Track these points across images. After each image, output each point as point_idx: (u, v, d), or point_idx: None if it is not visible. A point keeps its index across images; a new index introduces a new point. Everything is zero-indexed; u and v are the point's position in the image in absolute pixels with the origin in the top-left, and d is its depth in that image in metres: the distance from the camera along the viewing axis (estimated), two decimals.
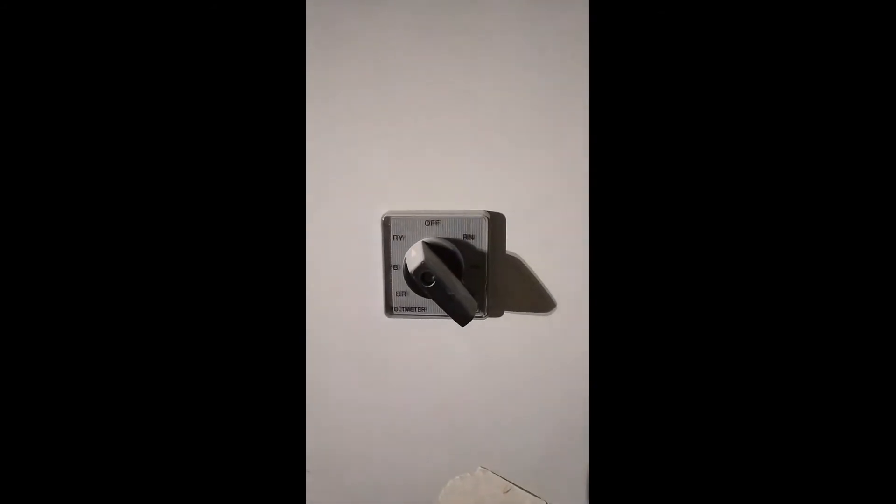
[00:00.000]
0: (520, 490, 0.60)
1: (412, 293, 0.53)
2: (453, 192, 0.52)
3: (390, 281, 0.54)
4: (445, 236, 0.52)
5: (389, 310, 0.55)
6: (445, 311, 0.49)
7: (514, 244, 0.54)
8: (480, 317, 0.55)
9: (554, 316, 0.55)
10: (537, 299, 0.55)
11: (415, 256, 0.50)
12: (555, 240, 0.53)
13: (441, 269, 0.49)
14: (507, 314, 0.56)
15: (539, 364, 0.57)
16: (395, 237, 0.53)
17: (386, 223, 0.52)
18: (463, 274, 0.52)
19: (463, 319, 0.49)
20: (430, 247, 0.51)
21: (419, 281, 0.49)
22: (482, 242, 0.53)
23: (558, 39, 0.48)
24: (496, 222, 0.53)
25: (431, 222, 0.52)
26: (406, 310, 0.55)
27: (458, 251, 0.52)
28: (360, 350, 0.57)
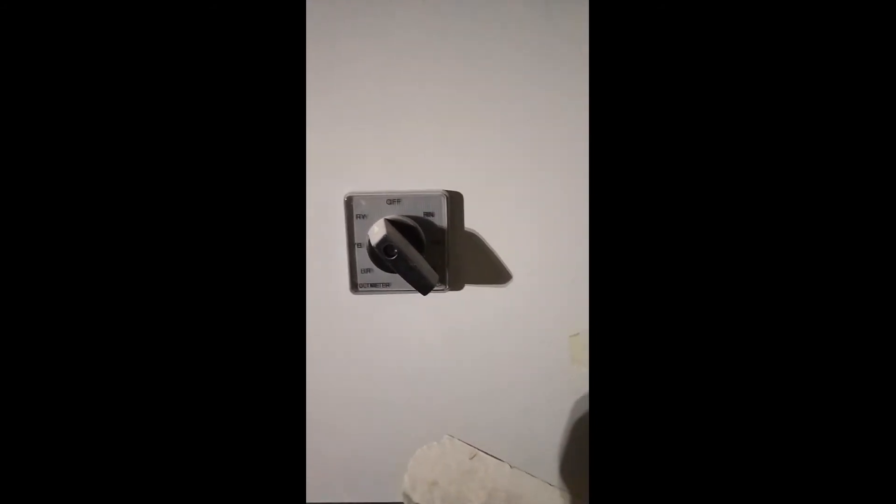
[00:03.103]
0: (485, 455, 0.63)
1: (376, 270, 0.56)
2: (413, 172, 0.55)
3: (354, 259, 0.56)
4: (407, 214, 0.55)
5: (354, 286, 0.57)
6: (408, 281, 0.52)
7: (472, 221, 0.57)
8: (442, 289, 0.58)
9: (510, 287, 0.59)
10: (495, 272, 0.58)
11: (377, 231, 0.52)
12: (509, 216, 0.57)
13: (402, 243, 0.52)
14: (467, 287, 0.59)
15: (498, 333, 0.60)
16: (358, 216, 0.55)
17: (349, 203, 0.55)
18: (424, 249, 0.55)
19: (424, 289, 0.52)
20: (393, 223, 0.54)
21: (382, 254, 0.51)
22: (442, 219, 0.56)
23: (518, 26, 0.51)
24: (454, 200, 0.56)
25: (393, 201, 0.55)
26: (371, 286, 0.57)
27: (419, 227, 0.55)
28: (327, 327, 0.59)
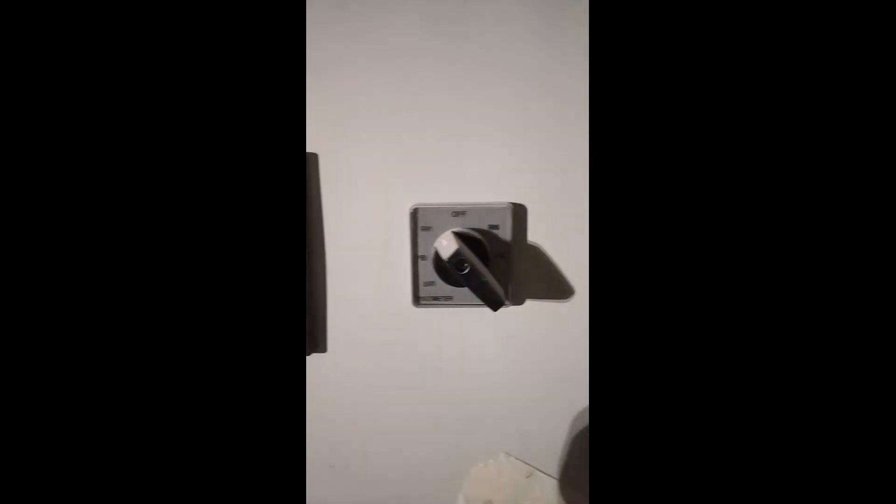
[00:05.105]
0: (541, 474, 0.62)
1: (439, 283, 0.55)
2: (478, 184, 0.54)
3: (418, 271, 0.55)
4: (471, 227, 0.54)
5: (417, 299, 0.56)
6: (479, 297, 0.51)
7: (535, 234, 0.56)
8: (506, 305, 0.57)
9: (573, 302, 0.57)
10: (557, 287, 0.57)
11: (447, 245, 0.51)
12: (573, 229, 0.56)
13: (473, 258, 0.51)
14: (528, 301, 0.58)
15: (559, 350, 0.59)
16: (423, 228, 0.54)
17: (414, 215, 0.54)
18: (490, 263, 0.54)
19: (496, 305, 0.51)
20: (460, 236, 0.53)
21: (453, 268, 0.50)
22: (506, 232, 0.55)
23: (576, 36, 0.51)
24: (518, 213, 0.55)
25: (458, 213, 0.54)
26: (433, 299, 0.56)
27: (484, 240, 0.54)
28: (388, 339, 0.58)
